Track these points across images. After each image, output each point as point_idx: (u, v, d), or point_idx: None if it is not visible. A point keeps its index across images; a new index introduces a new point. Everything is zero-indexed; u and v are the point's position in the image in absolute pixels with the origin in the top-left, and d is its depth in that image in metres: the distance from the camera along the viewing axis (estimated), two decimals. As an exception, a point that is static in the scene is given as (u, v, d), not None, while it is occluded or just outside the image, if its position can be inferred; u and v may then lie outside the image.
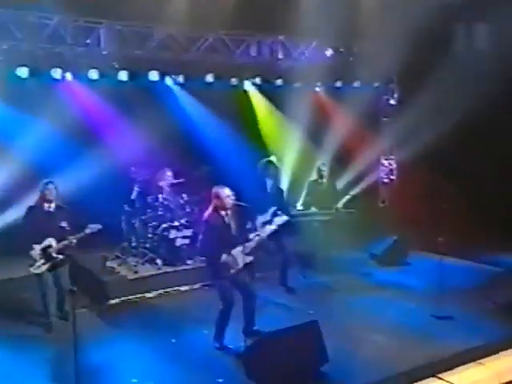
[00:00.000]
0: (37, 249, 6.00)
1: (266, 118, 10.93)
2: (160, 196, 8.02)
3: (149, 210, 7.95)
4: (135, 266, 7.74)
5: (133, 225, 7.97)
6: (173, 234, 7.80)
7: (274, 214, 6.93)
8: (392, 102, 12.00)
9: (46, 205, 6.16)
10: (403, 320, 6.51)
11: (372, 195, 11.88)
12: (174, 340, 6.02)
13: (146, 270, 7.69)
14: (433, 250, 7.46)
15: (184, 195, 8.09)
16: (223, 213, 5.69)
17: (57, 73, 8.20)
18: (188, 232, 7.89)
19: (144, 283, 7.49)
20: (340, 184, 11.35)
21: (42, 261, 6.02)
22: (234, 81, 10.00)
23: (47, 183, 6.22)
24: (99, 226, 6.27)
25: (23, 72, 7.92)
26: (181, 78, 9.44)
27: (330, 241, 8.67)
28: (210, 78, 9.61)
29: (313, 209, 8.65)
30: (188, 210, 8.18)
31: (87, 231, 6.22)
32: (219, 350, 5.71)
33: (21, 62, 7.93)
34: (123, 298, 7.26)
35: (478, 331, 6.15)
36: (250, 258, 5.76)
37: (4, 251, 6.93)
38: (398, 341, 5.97)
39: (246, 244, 5.75)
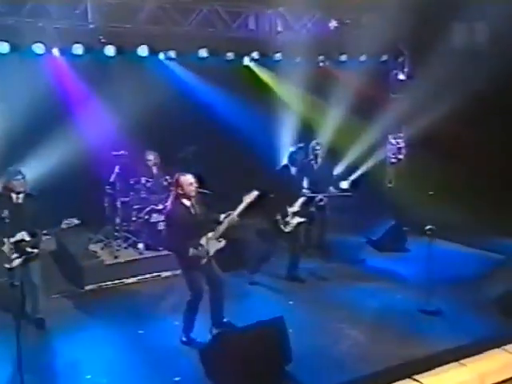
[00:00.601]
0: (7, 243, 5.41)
1: (268, 94, 10.43)
2: (143, 178, 7.71)
3: (131, 193, 7.67)
4: (118, 250, 7.49)
5: (116, 207, 7.69)
6: (154, 217, 7.50)
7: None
8: (401, 76, 11.34)
9: (13, 195, 5.61)
10: (385, 313, 6.16)
11: (378, 176, 11.33)
12: (141, 331, 5.75)
13: (128, 255, 7.43)
14: (440, 236, 7.00)
15: (168, 177, 7.72)
16: (187, 202, 5.35)
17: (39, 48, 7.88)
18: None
19: (123, 268, 7.24)
20: (343, 164, 11.02)
21: (15, 255, 5.47)
22: (230, 55, 9.51)
23: (15, 172, 5.64)
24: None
25: (4, 47, 7.64)
26: (172, 53, 9.04)
27: (323, 226, 8.35)
28: (203, 52, 9.16)
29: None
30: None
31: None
32: (185, 344, 5.43)
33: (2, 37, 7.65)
34: (100, 284, 7.02)
35: (464, 328, 5.73)
36: (221, 244, 5.43)
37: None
38: (375, 337, 5.60)
39: (217, 227, 5.41)
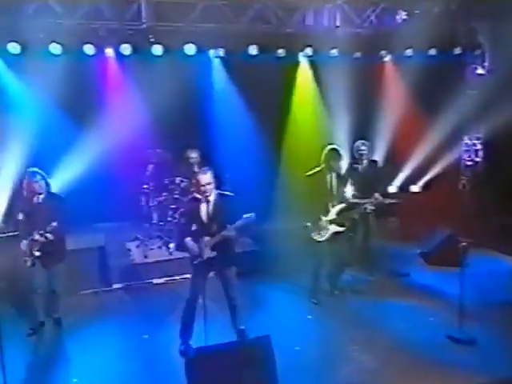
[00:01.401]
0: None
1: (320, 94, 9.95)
2: (177, 178, 7.67)
3: (165, 193, 7.64)
4: (152, 249, 7.53)
5: (152, 207, 7.73)
6: (185, 219, 7.42)
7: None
8: (480, 71, 10.30)
9: (34, 197, 5.64)
10: (409, 338, 5.53)
11: (450, 179, 10.43)
12: (146, 336, 5.68)
13: (158, 255, 7.44)
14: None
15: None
16: (200, 198, 5.19)
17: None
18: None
19: (152, 268, 7.25)
20: (409, 167, 10.26)
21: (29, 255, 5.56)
22: (281, 52, 9.16)
23: (34, 173, 5.65)
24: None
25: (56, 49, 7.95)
26: (221, 51, 8.91)
27: (366, 235, 7.72)
28: (253, 50, 8.91)
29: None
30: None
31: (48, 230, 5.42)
32: (181, 355, 5.25)
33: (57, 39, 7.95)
34: (128, 283, 7.09)
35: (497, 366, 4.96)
36: (213, 253, 5.20)
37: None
38: (388, 364, 5.02)
39: (212, 238, 5.18)
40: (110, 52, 8.42)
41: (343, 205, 6.32)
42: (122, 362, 5.23)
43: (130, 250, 7.69)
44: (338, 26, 9.56)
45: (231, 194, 5.38)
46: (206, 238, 5.18)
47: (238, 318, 5.44)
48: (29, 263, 5.54)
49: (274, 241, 7.60)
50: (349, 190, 6.75)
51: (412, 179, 10.47)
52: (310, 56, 9.48)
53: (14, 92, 7.94)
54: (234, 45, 8.99)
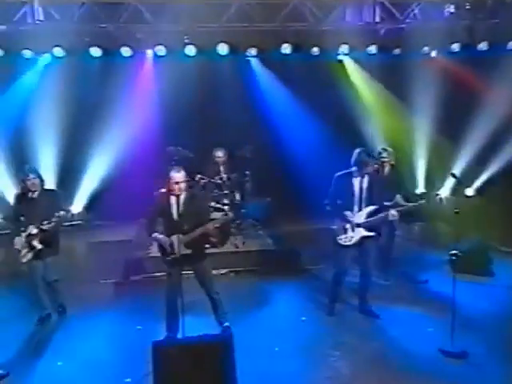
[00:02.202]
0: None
1: (364, 92, 9.72)
2: (198, 176, 7.89)
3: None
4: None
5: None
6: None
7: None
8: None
9: (29, 193, 5.81)
10: (397, 347, 5.27)
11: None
12: (139, 327, 5.90)
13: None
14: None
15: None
16: (171, 195, 5.28)
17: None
18: (218, 214, 7.55)
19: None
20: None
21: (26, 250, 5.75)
22: (315, 51, 9.08)
23: (29, 171, 5.80)
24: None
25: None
26: (254, 51, 9.01)
27: (389, 240, 7.42)
28: (287, 49, 8.91)
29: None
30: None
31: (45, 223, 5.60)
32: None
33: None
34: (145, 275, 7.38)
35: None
36: (187, 251, 5.26)
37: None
38: (361, 372, 4.86)
39: (185, 235, 5.25)
40: (147, 53, 8.79)
41: (373, 207, 5.92)
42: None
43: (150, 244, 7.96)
44: (377, 23, 9.29)
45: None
46: (180, 235, 5.23)
47: (221, 315, 5.51)
48: (29, 256, 5.77)
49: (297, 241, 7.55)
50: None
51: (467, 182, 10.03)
52: (346, 54, 9.27)
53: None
54: (267, 44, 9.03)
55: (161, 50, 8.73)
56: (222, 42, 8.78)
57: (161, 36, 8.76)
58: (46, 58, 8.71)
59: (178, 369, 4.42)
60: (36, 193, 5.82)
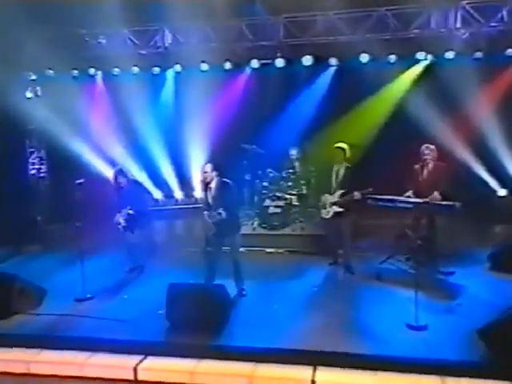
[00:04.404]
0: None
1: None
2: (268, 170, 9.37)
3: (257, 181, 9.52)
4: (245, 224, 9.33)
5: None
6: (267, 202, 9.08)
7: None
8: None
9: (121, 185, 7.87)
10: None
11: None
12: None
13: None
14: None
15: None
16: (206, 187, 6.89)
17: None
18: (280, 203, 8.98)
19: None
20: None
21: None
22: (392, 58, 9.80)
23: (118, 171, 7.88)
24: None
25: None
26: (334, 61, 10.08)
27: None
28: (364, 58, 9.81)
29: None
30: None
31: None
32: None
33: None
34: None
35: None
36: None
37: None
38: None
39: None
40: (244, 66, 10.50)
41: (342, 191, 7.53)
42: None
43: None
44: (458, 28, 9.60)
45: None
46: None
47: (239, 280, 6.95)
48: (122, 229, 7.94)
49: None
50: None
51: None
52: (424, 59, 9.75)
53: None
54: (346, 54, 10.01)
55: (255, 63, 10.31)
56: (307, 54, 10.01)
57: (255, 51, 10.34)
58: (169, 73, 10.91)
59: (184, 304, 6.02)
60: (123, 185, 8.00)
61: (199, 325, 5.81)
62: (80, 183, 7.36)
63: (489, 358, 5.03)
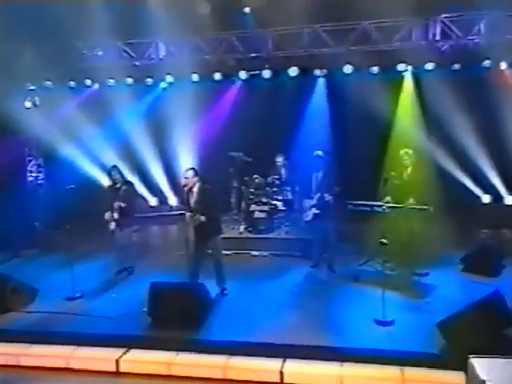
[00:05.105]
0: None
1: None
2: (254, 176, 9.79)
3: (243, 187, 9.97)
4: (232, 228, 9.74)
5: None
6: (253, 207, 9.48)
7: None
8: None
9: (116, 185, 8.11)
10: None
11: None
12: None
13: (230, 233, 9.51)
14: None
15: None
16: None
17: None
18: (266, 208, 9.37)
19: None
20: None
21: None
22: (374, 70, 10.20)
23: (111, 169, 8.16)
24: None
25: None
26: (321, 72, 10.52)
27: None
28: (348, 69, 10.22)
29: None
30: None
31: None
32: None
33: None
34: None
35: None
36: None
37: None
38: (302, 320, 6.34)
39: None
40: (233, 77, 10.93)
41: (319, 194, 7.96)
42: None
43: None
44: (437, 40, 10.00)
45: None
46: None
47: (221, 280, 7.31)
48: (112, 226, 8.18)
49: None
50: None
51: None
52: (404, 71, 10.14)
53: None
54: (332, 65, 10.43)
55: (243, 75, 10.74)
56: (294, 65, 10.44)
57: (245, 63, 10.77)
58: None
59: (164, 301, 6.40)
60: (118, 185, 8.32)
61: (178, 320, 6.17)
62: (71, 188, 7.72)
63: (445, 350, 5.34)
